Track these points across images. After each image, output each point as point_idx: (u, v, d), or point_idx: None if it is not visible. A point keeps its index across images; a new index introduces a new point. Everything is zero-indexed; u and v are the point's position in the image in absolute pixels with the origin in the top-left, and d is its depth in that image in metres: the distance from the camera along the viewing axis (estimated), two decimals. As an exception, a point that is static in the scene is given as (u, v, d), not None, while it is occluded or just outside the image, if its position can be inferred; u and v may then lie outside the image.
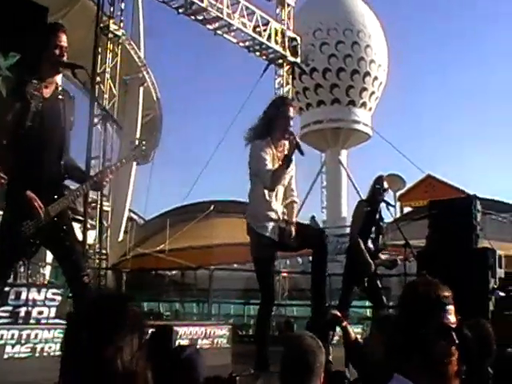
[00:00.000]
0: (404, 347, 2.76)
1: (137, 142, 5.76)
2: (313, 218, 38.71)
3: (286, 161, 6.65)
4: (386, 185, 9.63)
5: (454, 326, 2.73)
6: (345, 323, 5.58)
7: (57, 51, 5.25)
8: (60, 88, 5.44)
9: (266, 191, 6.81)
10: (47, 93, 5.27)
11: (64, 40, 5.31)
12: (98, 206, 18.58)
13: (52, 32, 5.32)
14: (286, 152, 6.77)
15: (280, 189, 6.96)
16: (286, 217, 6.98)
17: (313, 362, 3.78)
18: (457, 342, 2.71)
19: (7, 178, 5.32)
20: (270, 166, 6.73)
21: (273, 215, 6.83)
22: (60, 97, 5.36)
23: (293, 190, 7.25)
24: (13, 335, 7.91)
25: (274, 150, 6.87)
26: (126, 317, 2.06)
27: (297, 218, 7.16)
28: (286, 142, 6.82)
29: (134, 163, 25.05)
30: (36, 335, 8.21)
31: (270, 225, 6.80)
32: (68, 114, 5.37)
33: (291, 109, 7.00)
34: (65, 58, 5.32)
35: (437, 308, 2.74)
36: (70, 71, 5.56)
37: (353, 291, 9.62)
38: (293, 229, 6.85)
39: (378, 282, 9.78)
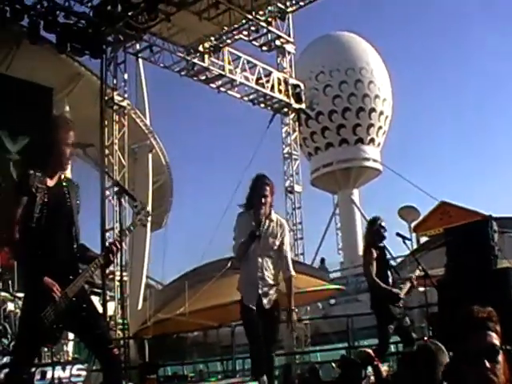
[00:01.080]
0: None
1: (139, 207, 5.82)
2: (322, 261, 38.47)
3: (249, 235, 7.25)
4: (382, 223, 9.90)
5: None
6: (377, 362, 5.58)
7: (67, 151, 5.41)
8: (63, 177, 5.56)
9: (247, 268, 7.47)
10: (51, 183, 5.40)
11: (72, 137, 5.45)
12: (119, 276, 18.59)
13: (63, 130, 5.44)
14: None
15: (262, 262, 7.39)
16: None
17: None
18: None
19: (23, 269, 5.49)
20: (240, 239, 7.41)
21: (252, 286, 7.38)
22: (64, 184, 5.50)
23: (287, 261, 7.60)
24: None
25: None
26: None
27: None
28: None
29: (148, 231, 25.18)
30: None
31: (250, 292, 7.39)
32: (73, 198, 5.49)
33: (265, 187, 7.50)
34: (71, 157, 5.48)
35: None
36: (81, 151, 5.66)
37: (389, 332, 9.67)
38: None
39: (407, 319, 9.85)
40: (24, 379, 5.26)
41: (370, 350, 6.04)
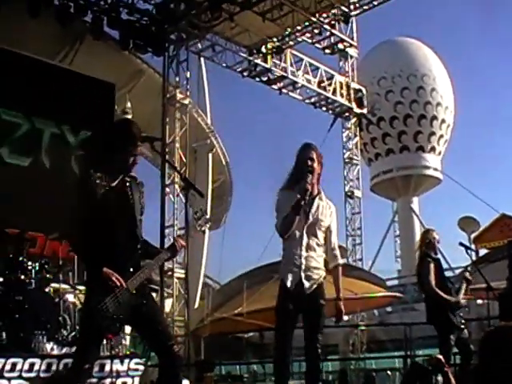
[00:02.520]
0: None
1: (199, 213, 5.73)
2: None
3: (295, 205, 6.36)
4: (436, 235, 9.67)
5: None
6: (447, 368, 5.44)
7: (131, 160, 5.35)
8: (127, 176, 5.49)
9: (290, 247, 6.50)
10: (114, 182, 5.34)
11: (140, 150, 5.41)
12: (179, 274, 18.64)
13: (131, 140, 5.36)
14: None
15: (310, 240, 6.56)
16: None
17: None
18: None
19: (84, 262, 5.39)
20: (284, 214, 6.48)
21: (294, 266, 6.47)
22: (127, 183, 5.41)
23: (334, 248, 6.78)
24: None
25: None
26: None
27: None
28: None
29: (207, 230, 25.26)
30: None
31: (290, 273, 6.45)
32: (136, 198, 5.41)
33: (311, 151, 6.67)
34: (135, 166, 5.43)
35: None
36: (149, 144, 5.63)
37: (451, 343, 9.27)
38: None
39: (465, 331, 9.64)
40: (84, 371, 5.26)
41: (440, 356, 5.85)
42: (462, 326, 9.42)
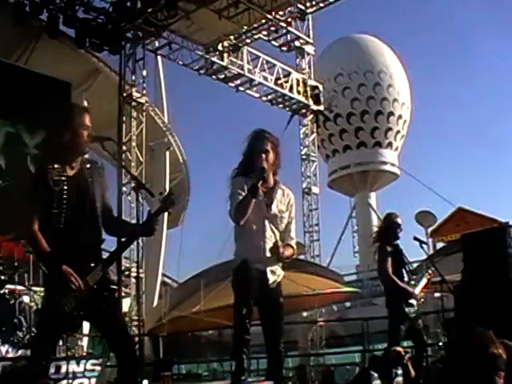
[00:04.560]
0: None
1: (166, 193, 5.66)
2: None
3: (252, 187, 6.18)
4: (398, 220, 9.59)
5: None
6: (406, 361, 5.44)
7: (84, 133, 5.25)
8: (85, 159, 5.44)
9: (250, 236, 6.27)
10: (72, 171, 5.27)
11: (88, 120, 5.32)
12: (135, 272, 18.60)
13: (77, 114, 5.32)
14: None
15: (270, 233, 6.34)
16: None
17: None
18: None
19: (41, 261, 5.34)
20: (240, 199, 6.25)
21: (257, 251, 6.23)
22: (87, 168, 5.36)
23: (291, 237, 6.51)
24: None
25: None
26: None
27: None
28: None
29: (165, 228, 25.24)
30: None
31: (253, 258, 6.18)
32: (97, 182, 5.37)
33: (266, 142, 6.45)
34: (88, 140, 5.31)
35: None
36: (99, 144, 5.57)
37: (400, 332, 9.28)
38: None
39: (420, 321, 9.64)
40: (40, 372, 5.22)
41: (400, 349, 5.86)
42: (413, 316, 9.38)
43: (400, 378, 7.81)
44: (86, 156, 5.57)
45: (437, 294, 11.02)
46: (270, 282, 6.29)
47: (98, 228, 5.36)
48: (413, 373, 5.37)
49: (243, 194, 6.24)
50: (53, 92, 18.00)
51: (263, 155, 6.36)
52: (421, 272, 10.31)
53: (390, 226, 9.62)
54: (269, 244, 6.24)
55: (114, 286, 5.55)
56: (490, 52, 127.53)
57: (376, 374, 9.25)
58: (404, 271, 9.50)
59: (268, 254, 6.22)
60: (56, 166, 5.16)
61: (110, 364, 11.07)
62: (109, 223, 5.47)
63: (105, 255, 5.42)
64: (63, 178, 5.17)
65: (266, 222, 6.34)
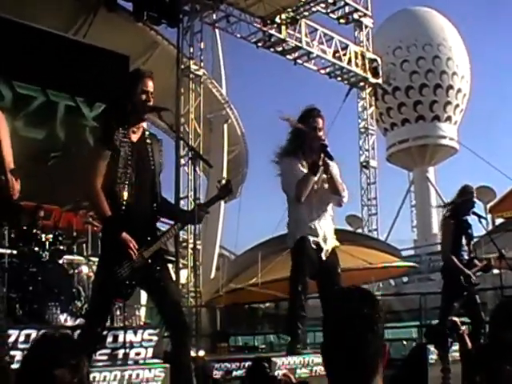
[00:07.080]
0: None
1: (224, 182, 5.60)
2: None
3: (313, 167, 6.30)
4: (474, 194, 9.30)
5: None
6: (462, 331, 5.35)
7: (143, 97, 5.21)
8: (147, 132, 5.42)
9: (305, 211, 6.45)
10: (135, 138, 5.25)
11: (151, 86, 5.27)
12: (192, 245, 18.72)
13: (138, 78, 5.28)
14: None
15: (322, 207, 6.55)
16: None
17: None
18: None
19: (102, 223, 5.40)
20: (299, 177, 6.37)
21: (310, 231, 6.44)
22: (148, 141, 5.34)
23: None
24: (115, 376, 7.94)
25: (306, 164, 6.48)
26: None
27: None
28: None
29: (223, 201, 25.30)
30: (137, 375, 8.23)
31: (309, 233, 6.42)
32: (156, 156, 5.35)
33: (318, 120, 6.57)
34: (150, 103, 5.26)
35: None
36: (156, 115, 5.60)
37: (453, 308, 9.08)
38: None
39: (477, 297, 9.44)
40: (97, 340, 5.27)
41: (456, 319, 5.76)
42: (470, 291, 9.16)
43: (456, 350, 7.71)
44: (145, 126, 5.57)
45: (496, 271, 10.78)
46: (324, 252, 6.47)
47: (157, 201, 5.36)
48: (469, 344, 5.26)
49: (296, 169, 6.37)
50: (111, 65, 18.06)
51: (321, 132, 6.43)
52: (479, 249, 10.08)
53: (467, 201, 9.35)
54: (320, 218, 6.45)
55: (171, 258, 5.54)
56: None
57: (432, 348, 9.14)
58: (467, 248, 9.30)
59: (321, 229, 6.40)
60: (121, 128, 5.17)
61: (168, 334, 11.19)
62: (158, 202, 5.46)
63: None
64: (128, 141, 5.18)
65: (320, 198, 6.49)
